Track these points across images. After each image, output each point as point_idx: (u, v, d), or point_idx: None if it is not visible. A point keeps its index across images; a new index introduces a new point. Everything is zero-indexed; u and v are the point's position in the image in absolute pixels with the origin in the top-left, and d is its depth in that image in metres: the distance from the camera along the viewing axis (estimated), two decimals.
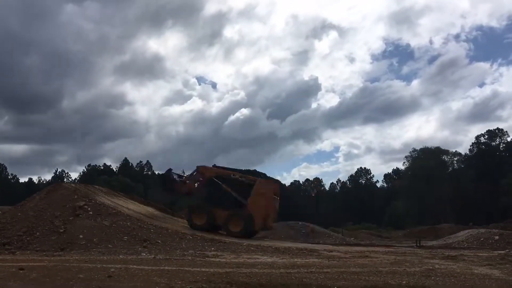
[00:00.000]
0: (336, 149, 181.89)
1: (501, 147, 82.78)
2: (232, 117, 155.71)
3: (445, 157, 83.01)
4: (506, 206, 63.39)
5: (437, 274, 10.65)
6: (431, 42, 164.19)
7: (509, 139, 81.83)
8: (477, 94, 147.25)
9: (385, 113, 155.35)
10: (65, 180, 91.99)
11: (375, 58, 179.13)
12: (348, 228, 56.12)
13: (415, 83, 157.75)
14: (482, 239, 24.50)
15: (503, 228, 32.41)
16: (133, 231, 18.19)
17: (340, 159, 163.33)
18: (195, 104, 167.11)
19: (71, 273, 9.69)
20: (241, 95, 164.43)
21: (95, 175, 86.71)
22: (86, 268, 10.71)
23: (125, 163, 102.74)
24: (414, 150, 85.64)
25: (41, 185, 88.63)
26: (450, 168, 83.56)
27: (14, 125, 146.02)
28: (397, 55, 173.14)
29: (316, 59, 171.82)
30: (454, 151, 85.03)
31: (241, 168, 25.81)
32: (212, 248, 17.08)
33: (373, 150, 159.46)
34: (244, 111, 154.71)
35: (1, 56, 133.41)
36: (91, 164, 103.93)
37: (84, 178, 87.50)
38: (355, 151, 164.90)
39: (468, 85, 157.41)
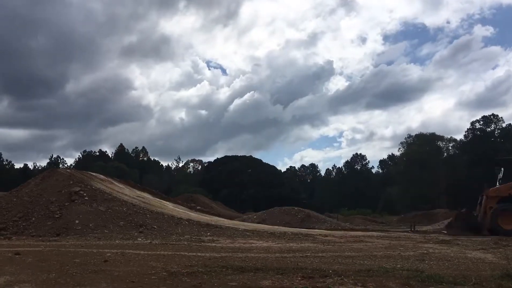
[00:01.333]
0: (340, 134, 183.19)
1: (496, 133, 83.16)
2: (238, 101, 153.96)
3: (440, 143, 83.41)
4: None
5: (431, 258, 10.74)
6: (448, 22, 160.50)
7: (504, 125, 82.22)
8: (490, 77, 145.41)
9: (393, 97, 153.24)
10: (60, 166, 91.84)
11: (388, 39, 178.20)
12: (343, 214, 56.54)
13: (428, 66, 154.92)
14: None
15: None
16: (129, 217, 18.21)
17: (343, 145, 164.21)
18: (202, 89, 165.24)
19: (67, 258, 9.72)
20: (250, 79, 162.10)
21: (91, 161, 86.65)
22: (82, 253, 10.74)
23: (121, 149, 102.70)
24: (409, 136, 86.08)
25: (36, 171, 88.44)
26: (445, 154, 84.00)
27: (15, 110, 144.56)
28: (411, 36, 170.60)
29: (331, 41, 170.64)
30: (449, 137, 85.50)
31: None
32: (208, 233, 17.15)
33: (376, 135, 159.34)
34: (251, 96, 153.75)
35: (6, 37, 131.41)
36: (87, 150, 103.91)
37: (80, 164, 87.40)
38: (358, 137, 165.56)
39: (481, 69, 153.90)
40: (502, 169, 20.85)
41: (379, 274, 7.53)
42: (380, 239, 16.73)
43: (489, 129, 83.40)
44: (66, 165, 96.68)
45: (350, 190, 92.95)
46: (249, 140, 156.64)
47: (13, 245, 12.82)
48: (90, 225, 16.83)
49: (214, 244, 13.77)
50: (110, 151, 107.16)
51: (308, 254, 11.19)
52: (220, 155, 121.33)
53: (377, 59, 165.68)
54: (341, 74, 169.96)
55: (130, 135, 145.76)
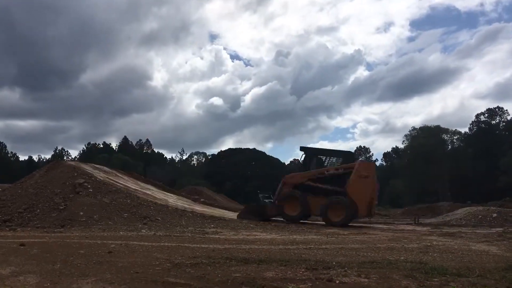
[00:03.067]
0: (353, 126, 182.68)
1: (501, 126, 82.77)
2: (257, 92, 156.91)
3: (444, 136, 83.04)
4: (505, 185, 63.73)
5: (435, 250, 10.73)
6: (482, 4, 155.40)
7: (509, 118, 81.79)
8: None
9: (412, 88, 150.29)
10: (65, 158, 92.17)
11: (415, 25, 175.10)
12: None
13: (452, 54, 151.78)
14: (480, 216, 24.58)
15: (501, 206, 32.54)
16: (133, 208, 18.27)
17: (356, 136, 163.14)
18: (221, 79, 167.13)
19: (72, 249, 9.77)
20: (272, 69, 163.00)
21: (95, 153, 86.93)
22: (87, 244, 10.79)
23: (125, 141, 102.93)
24: (414, 128, 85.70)
25: (41, 163, 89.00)
26: (450, 147, 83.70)
27: (26, 101, 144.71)
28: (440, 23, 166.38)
29: (357, 29, 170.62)
30: (454, 129, 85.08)
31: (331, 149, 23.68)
32: (212, 225, 17.19)
33: (390, 128, 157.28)
34: (270, 86, 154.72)
35: (22, 25, 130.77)
36: (91, 143, 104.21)
37: (84, 156, 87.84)
38: (371, 128, 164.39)
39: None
40: (304, 156, 21.50)
41: (383, 266, 7.53)
42: (384, 231, 16.73)
43: (494, 121, 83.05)
44: (70, 157, 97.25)
45: None
46: (261, 132, 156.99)
47: (18, 237, 12.90)
48: (95, 216, 16.90)
49: (217, 236, 13.80)
50: (118, 142, 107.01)
51: (312, 246, 11.20)
52: (231, 146, 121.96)
53: (402, 47, 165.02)
54: (363, 63, 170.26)
55: (140, 127, 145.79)
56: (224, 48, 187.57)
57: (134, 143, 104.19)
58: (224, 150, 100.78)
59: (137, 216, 17.56)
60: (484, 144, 75.81)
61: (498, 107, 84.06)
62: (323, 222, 19.86)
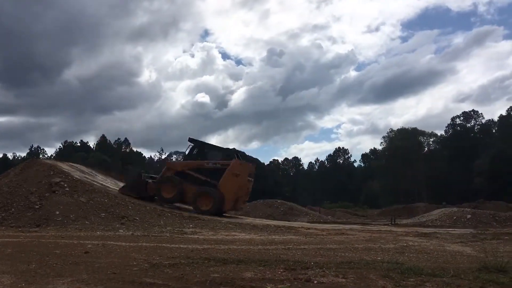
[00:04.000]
0: (338, 127, 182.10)
1: (476, 129, 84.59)
2: (245, 91, 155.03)
3: (421, 138, 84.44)
4: (479, 186, 65.17)
5: (410, 250, 10.91)
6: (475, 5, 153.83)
7: (483, 121, 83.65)
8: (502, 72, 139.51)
9: (398, 89, 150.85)
10: (40, 156, 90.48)
11: (407, 26, 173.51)
12: (325, 207, 56.92)
13: (441, 57, 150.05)
14: (455, 217, 25.11)
15: (475, 207, 33.30)
16: (111, 208, 18.06)
17: (342, 137, 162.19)
18: (210, 78, 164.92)
19: (47, 249, 9.61)
20: (261, 68, 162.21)
21: (72, 152, 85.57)
22: (63, 244, 10.63)
23: (103, 140, 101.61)
24: (392, 130, 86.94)
25: (16, 161, 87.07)
26: (426, 149, 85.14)
27: (8, 97, 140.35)
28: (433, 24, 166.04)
29: (349, 28, 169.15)
30: (430, 132, 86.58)
31: (222, 146, 24.64)
32: (191, 225, 17.12)
33: (374, 129, 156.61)
34: (258, 85, 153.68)
35: (7, 17, 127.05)
36: (68, 141, 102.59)
37: (61, 154, 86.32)
38: (356, 129, 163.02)
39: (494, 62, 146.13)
40: (191, 146, 22.95)
41: (360, 266, 7.62)
42: (361, 232, 16.92)
43: (469, 124, 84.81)
44: (46, 156, 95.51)
45: (332, 183, 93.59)
46: (246, 131, 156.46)
47: None
48: (71, 216, 16.65)
49: (196, 236, 13.75)
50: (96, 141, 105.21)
51: (290, 247, 11.27)
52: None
53: (393, 47, 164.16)
54: (353, 63, 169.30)
55: (122, 125, 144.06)
56: (216, 47, 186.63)
57: (112, 142, 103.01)
58: None
59: (115, 216, 17.36)
60: (459, 147, 77.34)
61: (473, 110, 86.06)
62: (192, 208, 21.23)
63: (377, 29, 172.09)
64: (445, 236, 15.55)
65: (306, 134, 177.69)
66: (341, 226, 21.01)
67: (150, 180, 22.47)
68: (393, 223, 25.07)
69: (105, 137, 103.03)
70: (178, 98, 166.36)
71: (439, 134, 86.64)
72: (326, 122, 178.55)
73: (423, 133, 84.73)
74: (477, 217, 24.58)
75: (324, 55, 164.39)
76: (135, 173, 23.82)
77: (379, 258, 9.07)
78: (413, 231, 17.78)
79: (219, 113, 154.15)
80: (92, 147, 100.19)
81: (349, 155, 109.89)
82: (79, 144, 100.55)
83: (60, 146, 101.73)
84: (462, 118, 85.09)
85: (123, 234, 13.98)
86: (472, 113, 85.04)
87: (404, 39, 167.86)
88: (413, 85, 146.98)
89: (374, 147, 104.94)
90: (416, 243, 12.98)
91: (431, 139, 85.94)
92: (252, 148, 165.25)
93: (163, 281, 6.22)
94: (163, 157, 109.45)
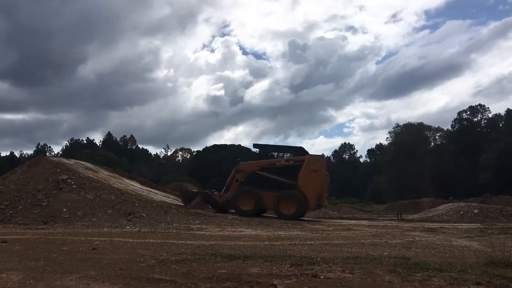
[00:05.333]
0: (351, 121, 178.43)
1: (483, 123, 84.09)
2: (261, 86, 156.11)
3: (427, 133, 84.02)
4: (486, 181, 64.83)
5: (417, 245, 10.88)
6: None
7: (490, 115, 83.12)
8: None
9: (417, 82, 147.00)
10: (47, 154, 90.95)
11: (430, 16, 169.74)
12: (331, 202, 56.79)
13: (464, 48, 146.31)
14: (461, 212, 25.00)
15: (482, 202, 33.14)
16: (118, 205, 18.13)
17: (356, 132, 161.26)
18: (226, 72, 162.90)
19: (55, 246, 9.67)
20: (281, 62, 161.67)
21: (78, 149, 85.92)
22: (70, 241, 10.69)
23: (109, 137, 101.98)
24: (398, 125, 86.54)
25: (23, 159, 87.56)
26: (432, 144, 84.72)
27: (16, 94, 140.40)
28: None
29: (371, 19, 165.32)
30: (436, 126, 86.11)
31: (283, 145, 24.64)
32: (197, 221, 17.17)
33: (389, 123, 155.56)
34: (274, 80, 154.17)
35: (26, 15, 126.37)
36: (74, 138, 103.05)
37: (67, 152, 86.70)
38: (370, 123, 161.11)
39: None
40: (257, 152, 22.88)
41: (367, 261, 7.61)
42: (368, 227, 16.89)
43: (476, 119, 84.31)
44: (53, 153, 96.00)
45: (338, 179, 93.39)
46: (259, 127, 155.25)
47: (0, 233, 12.71)
48: (78, 213, 16.74)
49: (203, 232, 13.79)
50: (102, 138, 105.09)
51: (297, 242, 11.27)
52: (229, 140, 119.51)
53: (414, 39, 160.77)
54: (373, 56, 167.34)
55: (132, 121, 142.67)
56: (235, 40, 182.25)
57: (118, 139, 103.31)
58: (208, 146, 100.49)
59: (122, 213, 17.43)
60: (465, 141, 76.93)
61: (480, 104, 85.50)
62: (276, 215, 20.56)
63: (399, 19, 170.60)
64: (452, 231, 15.49)
65: (321, 129, 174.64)
66: (347, 222, 20.99)
67: (216, 192, 22.23)
68: (399, 218, 24.98)
69: (111, 134, 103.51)
70: (193, 94, 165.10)
71: (445, 129, 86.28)
72: (341, 116, 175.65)
73: (429, 128, 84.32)
74: (484, 212, 24.46)
75: (344, 48, 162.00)
76: (201, 194, 22.78)
77: (385, 253, 9.06)
78: (420, 226, 17.74)
79: (233, 108, 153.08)
80: (98, 144, 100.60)
81: (355, 150, 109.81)
82: (85, 142, 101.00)
83: (66, 144, 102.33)
84: (468, 112, 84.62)
85: (130, 230, 14.04)
86: (478, 107, 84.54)
87: (425, 29, 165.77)
88: (431, 79, 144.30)
89: (380, 142, 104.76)
90: (423, 238, 12.95)
91: (437, 134, 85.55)
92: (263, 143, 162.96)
93: (170, 277, 6.25)
94: (169, 154, 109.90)
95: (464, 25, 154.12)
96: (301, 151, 22.12)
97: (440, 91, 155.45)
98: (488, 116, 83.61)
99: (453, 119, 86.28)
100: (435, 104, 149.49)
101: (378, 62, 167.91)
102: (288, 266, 7.10)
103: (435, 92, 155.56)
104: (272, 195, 20.38)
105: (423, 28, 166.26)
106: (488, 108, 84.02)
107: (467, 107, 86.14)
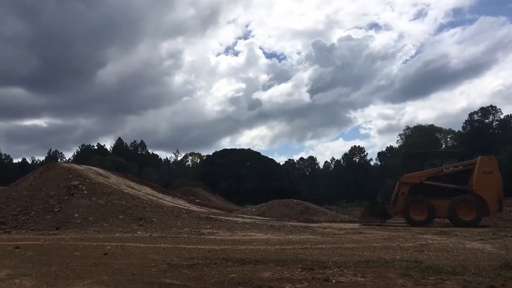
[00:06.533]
0: (370, 123, 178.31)
1: (494, 125, 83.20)
2: (280, 89, 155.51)
3: (438, 135, 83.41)
4: None
5: (430, 249, 10.78)
6: None
7: (502, 117, 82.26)
8: None
9: (437, 84, 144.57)
10: (59, 160, 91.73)
11: (455, 12, 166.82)
12: (341, 206, 56.59)
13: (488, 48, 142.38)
14: None
15: None
16: (129, 210, 18.23)
17: (374, 134, 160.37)
18: (246, 74, 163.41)
19: (67, 251, 9.74)
20: (302, 63, 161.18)
21: (89, 155, 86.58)
22: (82, 246, 10.76)
23: (120, 142, 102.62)
24: (408, 128, 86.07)
25: (35, 165, 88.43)
26: (443, 146, 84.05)
27: (37, 101, 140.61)
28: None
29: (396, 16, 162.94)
30: (447, 128, 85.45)
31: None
32: (208, 226, 17.18)
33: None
34: (294, 82, 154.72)
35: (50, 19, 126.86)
36: (85, 144, 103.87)
37: (78, 158, 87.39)
38: (387, 125, 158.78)
39: None
40: (409, 160, 22.63)
41: (379, 265, 7.56)
42: (379, 231, 16.78)
43: (487, 120, 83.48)
44: (64, 159, 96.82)
45: (349, 182, 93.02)
46: (275, 129, 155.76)
47: (13, 239, 12.84)
48: (90, 218, 16.85)
49: (213, 237, 13.80)
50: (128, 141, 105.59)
51: (308, 246, 11.22)
52: (244, 143, 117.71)
53: (436, 38, 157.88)
54: (395, 56, 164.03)
55: (147, 125, 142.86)
56: (256, 42, 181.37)
57: (128, 144, 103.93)
58: (219, 151, 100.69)
59: (133, 218, 17.52)
60: (477, 143, 76.13)
61: (491, 105, 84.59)
62: (450, 223, 19.98)
63: (424, 15, 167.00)
64: (465, 233, 15.33)
65: (339, 131, 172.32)
66: (358, 225, 20.87)
67: (387, 204, 21.87)
68: None
69: (121, 139, 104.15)
70: (210, 97, 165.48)
71: (456, 130, 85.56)
72: (359, 118, 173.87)
73: (440, 130, 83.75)
74: (497, 214, 24.15)
75: (367, 48, 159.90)
76: (377, 204, 23.29)
77: (398, 256, 8.98)
78: (432, 229, 17.58)
79: (250, 112, 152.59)
80: (109, 150, 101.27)
81: (365, 153, 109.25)
82: (96, 147, 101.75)
83: (77, 150, 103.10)
84: (480, 114, 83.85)
85: (141, 235, 14.09)
86: (490, 108, 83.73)
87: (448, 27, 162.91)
88: (453, 79, 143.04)
89: (390, 145, 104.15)
90: (436, 241, 12.82)
91: (449, 136, 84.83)
92: (278, 146, 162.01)
93: (182, 282, 6.25)
94: (178, 158, 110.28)
95: (497, 22, 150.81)
96: (460, 153, 21.99)
97: (463, 90, 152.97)
98: (499, 117, 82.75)
99: (464, 121, 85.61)
100: (457, 105, 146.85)
101: (403, 62, 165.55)
102: (299, 270, 7.07)
103: (454, 93, 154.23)
104: (444, 202, 19.64)
105: (449, 25, 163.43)
106: (499, 109, 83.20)
107: (479, 108, 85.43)
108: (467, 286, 5.81)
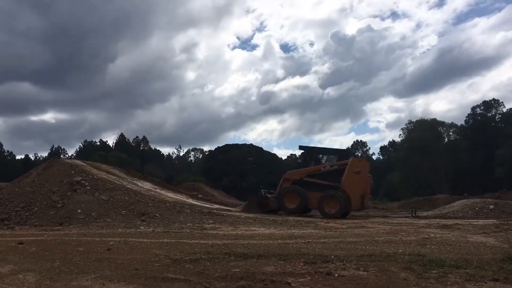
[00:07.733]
0: (381, 117, 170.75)
1: (497, 118, 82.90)
2: (291, 82, 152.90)
3: (441, 129, 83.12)
4: (501, 176, 63.96)
5: (432, 242, 10.78)
6: None
7: (504, 110, 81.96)
8: None
9: (449, 77, 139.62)
10: (61, 156, 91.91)
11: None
12: None
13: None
14: (477, 208, 24.69)
15: (498, 197, 32.72)
16: (131, 205, 18.27)
17: (383, 128, 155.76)
18: (256, 69, 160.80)
19: (70, 247, 9.77)
20: (317, 56, 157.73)
21: (92, 151, 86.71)
22: (85, 242, 10.79)
23: (122, 138, 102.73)
24: (410, 122, 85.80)
25: (38, 161, 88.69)
26: (446, 140, 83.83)
27: (45, 96, 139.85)
28: None
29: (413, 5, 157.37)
30: (450, 122, 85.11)
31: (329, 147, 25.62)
32: (210, 221, 17.22)
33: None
34: (309, 76, 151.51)
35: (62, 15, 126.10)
36: (87, 140, 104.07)
37: (81, 154, 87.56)
38: (399, 119, 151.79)
39: None
40: (303, 153, 24.20)
41: (381, 258, 7.57)
42: (382, 225, 16.79)
43: (490, 114, 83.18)
44: (67, 155, 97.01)
45: None
46: (285, 124, 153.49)
47: (16, 235, 12.88)
48: (93, 214, 16.89)
49: (216, 232, 13.82)
50: (130, 136, 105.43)
51: (310, 240, 11.24)
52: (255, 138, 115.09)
53: (453, 30, 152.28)
54: (409, 49, 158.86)
55: (153, 120, 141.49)
56: (270, 36, 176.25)
57: (131, 140, 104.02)
58: (221, 146, 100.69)
59: (135, 213, 17.55)
60: (480, 137, 75.97)
61: (494, 99, 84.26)
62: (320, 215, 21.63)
63: (439, 6, 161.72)
64: (468, 227, 15.33)
65: (350, 126, 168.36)
66: (361, 219, 20.89)
67: (269, 195, 23.21)
68: (414, 215, 24.77)
69: (124, 135, 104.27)
70: (220, 91, 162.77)
71: (459, 124, 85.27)
72: (371, 112, 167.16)
73: (442, 123, 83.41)
74: (500, 208, 24.14)
75: (379, 42, 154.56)
76: (256, 192, 24.41)
77: (400, 250, 8.99)
78: (435, 223, 17.59)
79: (262, 106, 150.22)
80: (111, 145, 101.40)
81: (367, 147, 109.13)
82: (98, 143, 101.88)
83: (80, 146, 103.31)
84: (482, 107, 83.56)
85: (144, 230, 14.13)
86: (492, 102, 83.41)
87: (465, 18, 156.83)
88: (468, 70, 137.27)
89: (392, 139, 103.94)
90: (438, 235, 12.83)
91: (451, 130, 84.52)
92: (290, 140, 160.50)
93: (185, 276, 6.27)
94: (181, 154, 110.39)
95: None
96: (346, 153, 23.37)
97: (473, 84, 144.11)
98: (502, 110, 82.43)
99: (466, 115, 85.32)
100: (468, 97, 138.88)
101: (419, 54, 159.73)
102: (302, 264, 7.09)
103: (469, 84, 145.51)
104: (316, 194, 21.62)
105: (462, 15, 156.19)
106: (502, 102, 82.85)
107: (481, 102, 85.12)
108: (470, 280, 5.81)
